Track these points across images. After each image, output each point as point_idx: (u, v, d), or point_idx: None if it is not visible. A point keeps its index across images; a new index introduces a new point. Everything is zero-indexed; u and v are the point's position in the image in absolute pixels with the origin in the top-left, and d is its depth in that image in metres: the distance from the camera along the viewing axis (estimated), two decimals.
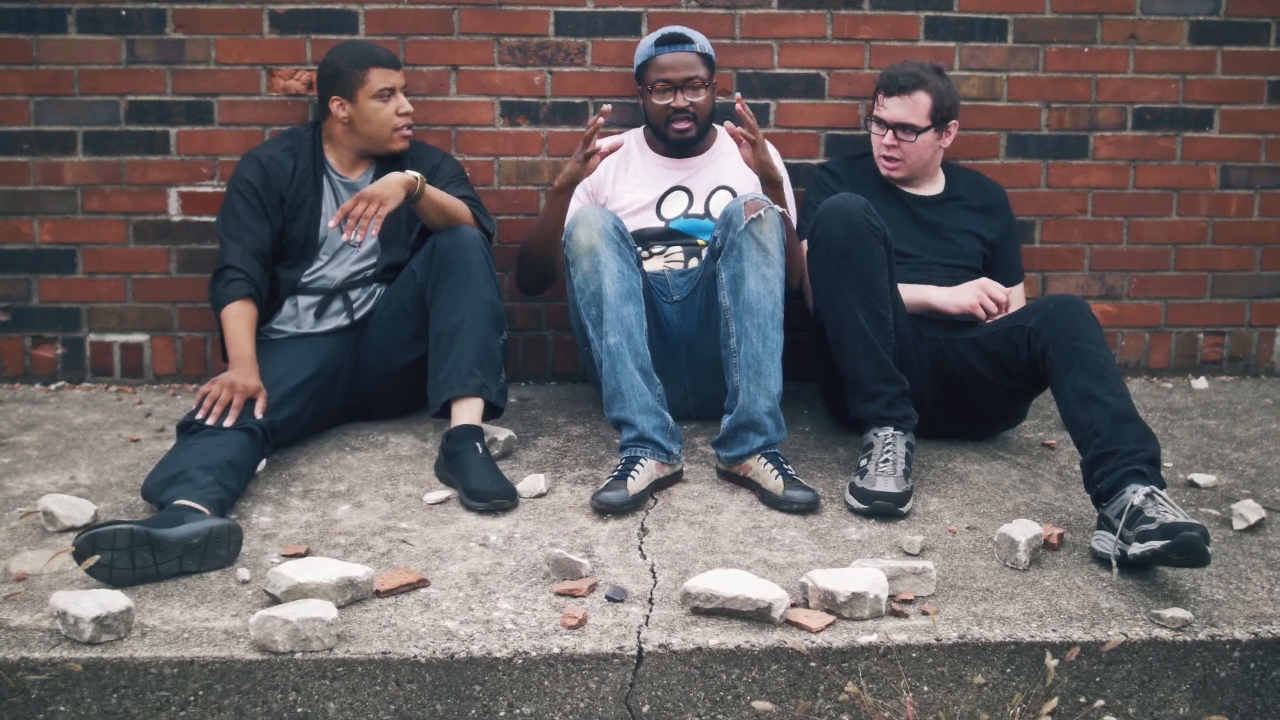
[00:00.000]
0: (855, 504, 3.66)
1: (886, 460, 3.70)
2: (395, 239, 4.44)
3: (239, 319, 4.16)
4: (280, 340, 4.33)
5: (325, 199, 4.38)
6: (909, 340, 4.02)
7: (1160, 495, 3.25)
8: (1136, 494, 3.26)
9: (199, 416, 3.78)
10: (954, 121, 4.48)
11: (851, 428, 4.28)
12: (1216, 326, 5.26)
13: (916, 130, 4.39)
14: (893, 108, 4.39)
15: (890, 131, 4.41)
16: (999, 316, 4.08)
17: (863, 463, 3.76)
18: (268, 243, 4.32)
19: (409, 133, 4.43)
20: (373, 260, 4.43)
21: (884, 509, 3.60)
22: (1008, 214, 4.67)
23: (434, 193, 4.20)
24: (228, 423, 3.77)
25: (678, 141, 4.52)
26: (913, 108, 4.38)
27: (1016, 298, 4.58)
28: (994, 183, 4.75)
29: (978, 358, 4.04)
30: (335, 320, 4.39)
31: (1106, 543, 3.30)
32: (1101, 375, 3.59)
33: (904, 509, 3.62)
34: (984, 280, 4.16)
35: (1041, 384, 3.97)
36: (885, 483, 3.63)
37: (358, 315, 4.40)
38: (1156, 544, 3.08)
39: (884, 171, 4.50)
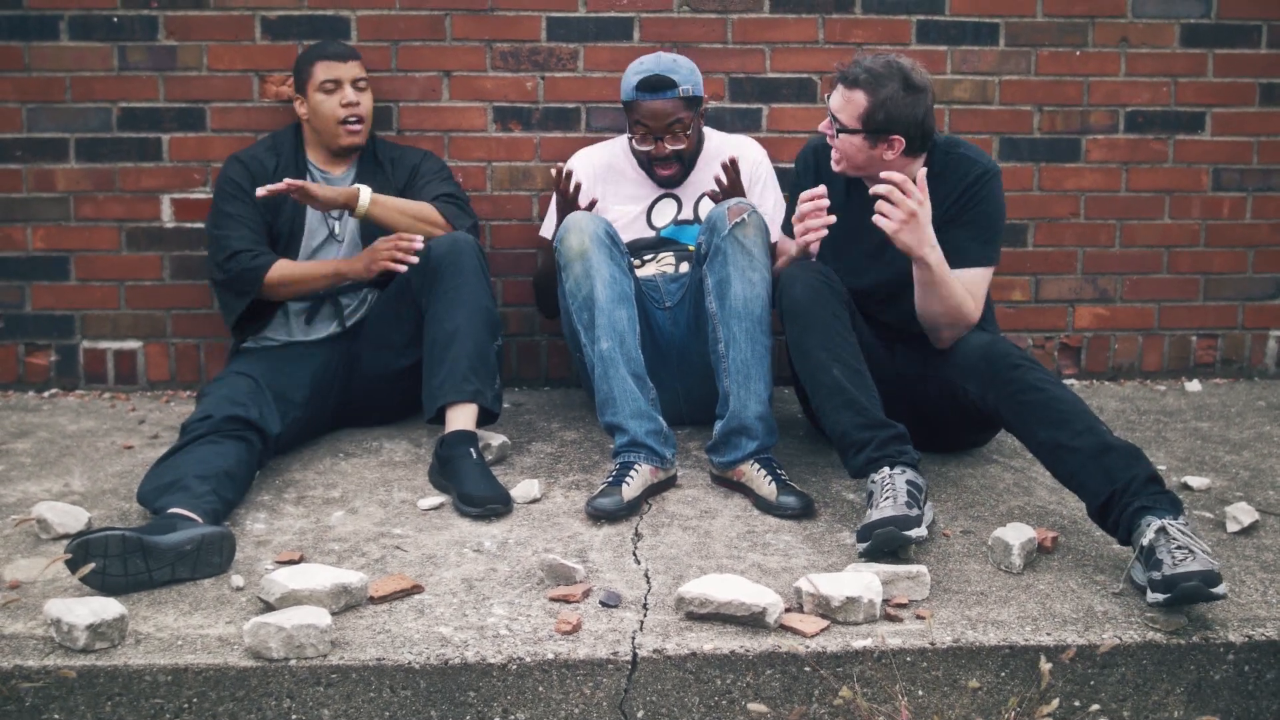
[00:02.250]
0: (860, 547, 3.29)
1: (887, 498, 3.36)
2: (376, 235, 4.43)
3: (288, 264, 4.31)
4: (272, 349, 4.33)
5: None
6: (886, 369, 3.92)
7: (1172, 529, 3.11)
8: (1149, 529, 3.14)
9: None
10: (896, 137, 3.82)
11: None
12: (1209, 329, 5.27)
13: (839, 127, 3.89)
14: (834, 96, 3.93)
15: (828, 119, 3.97)
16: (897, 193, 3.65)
17: (866, 514, 3.39)
18: (263, 230, 4.36)
19: (357, 126, 4.42)
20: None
21: (886, 538, 3.24)
22: (967, 198, 3.94)
23: (384, 207, 4.26)
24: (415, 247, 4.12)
25: (665, 182, 4.52)
26: (845, 103, 3.87)
27: (966, 280, 3.94)
28: (973, 171, 3.95)
29: (944, 399, 3.87)
30: (326, 328, 4.38)
31: (1139, 574, 3.20)
32: (1059, 420, 3.43)
33: (913, 533, 3.26)
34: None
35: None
36: (884, 509, 3.31)
37: (349, 322, 4.40)
38: (1160, 597, 3.02)
39: (832, 161, 4.02)
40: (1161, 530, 3.11)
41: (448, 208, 4.38)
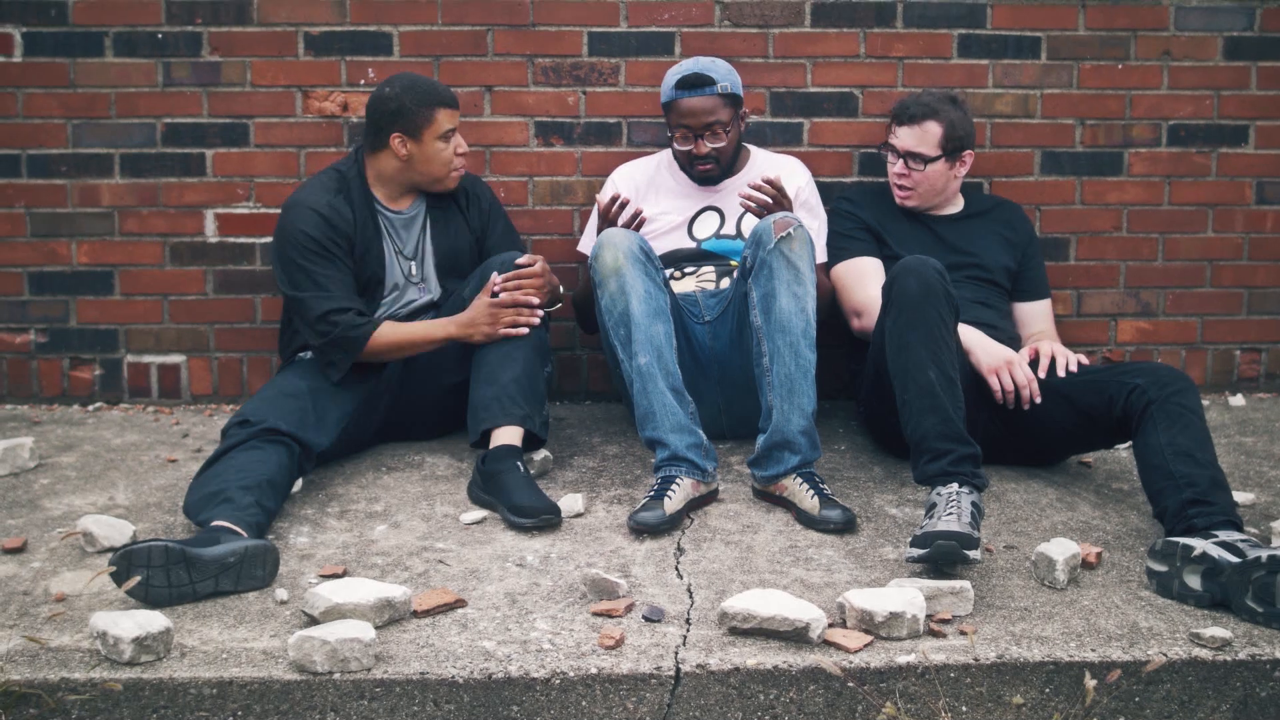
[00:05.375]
0: (915, 553, 3.26)
1: (951, 513, 3.34)
2: (454, 271, 4.44)
3: (395, 328, 4.20)
4: None
5: (385, 238, 4.34)
6: (968, 377, 3.97)
7: (1216, 541, 3.27)
8: (1234, 536, 3.29)
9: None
10: (968, 151, 4.47)
11: (892, 451, 4.28)
12: (1253, 343, 5.24)
13: (925, 160, 4.40)
14: (903, 137, 4.42)
15: (901, 160, 4.44)
16: (1011, 396, 4.03)
17: (923, 523, 3.38)
18: (352, 285, 4.23)
19: (461, 173, 4.37)
20: (437, 296, 4.43)
21: (947, 550, 3.21)
22: (1028, 231, 4.68)
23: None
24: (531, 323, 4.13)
25: (704, 180, 4.53)
26: (922, 137, 4.40)
27: (1044, 314, 4.58)
28: (1012, 202, 4.79)
29: (1058, 407, 3.99)
30: None
31: (1223, 550, 3.23)
32: (1202, 444, 3.57)
33: (972, 553, 3.23)
34: (1017, 358, 4.06)
35: (1113, 441, 4.01)
36: (949, 523, 3.28)
37: None
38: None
39: (897, 200, 4.52)
40: (1218, 544, 3.24)
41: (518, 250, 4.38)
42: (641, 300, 3.90)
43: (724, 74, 4.41)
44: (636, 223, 4.24)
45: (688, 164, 4.50)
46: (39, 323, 4.97)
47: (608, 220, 4.23)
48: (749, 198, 4.16)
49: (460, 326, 4.16)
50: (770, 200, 4.17)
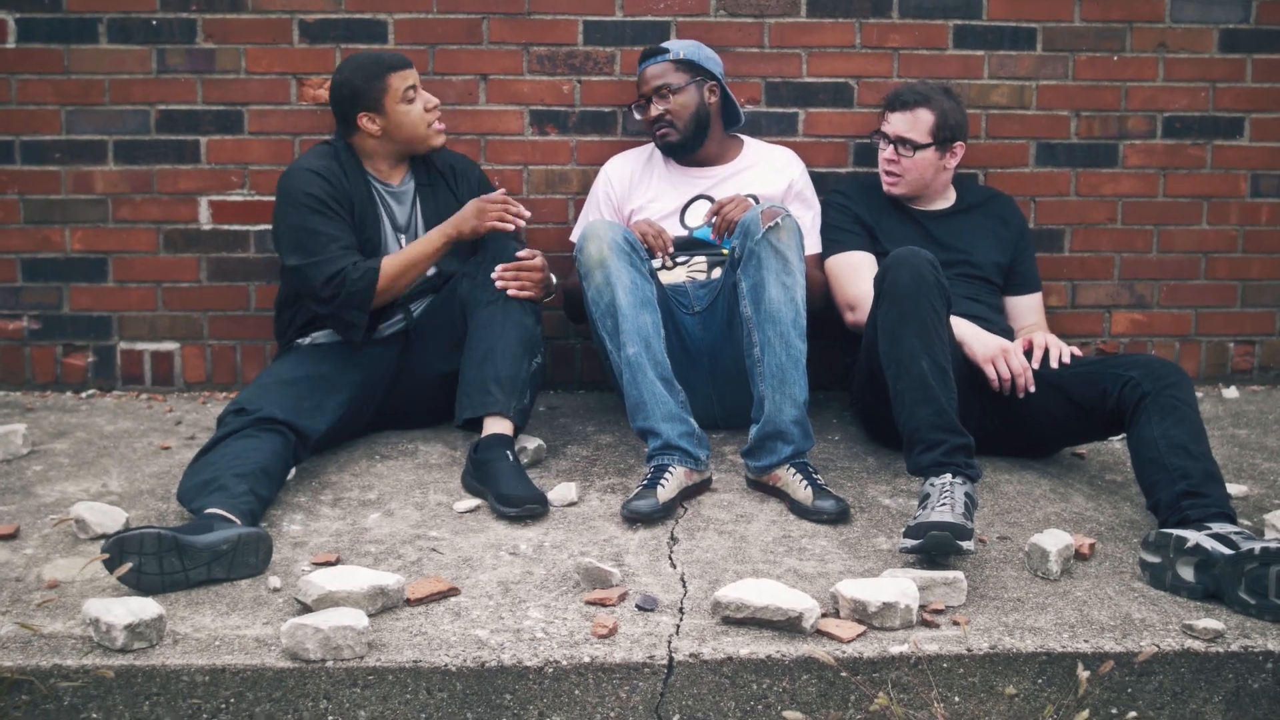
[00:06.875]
0: (908, 543, 3.26)
1: (944, 504, 3.35)
2: (450, 253, 4.43)
3: (395, 258, 4.21)
4: (323, 347, 4.28)
5: (380, 208, 4.35)
6: (961, 369, 3.95)
7: (1208, 533, 3.27)
8: (1227, 528, 3.29)
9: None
10: (959, 143, 4.46)
11: (885, 441, 4.29)
12: (1247, 335, 5.24)
13: (915, 146, 4.40)
14: (894, 122, 4.43)
15: (891, 146, 4.44)
16: (1008, 385, 4.02)
17: (917, 514, 3.39)
18: (355, 243, 4.23)
19: (442, 125, 4.38)
20: (433, 271, 4.41)
21: (940, 541, 3.22)
22: (1020, 225, 4.67)
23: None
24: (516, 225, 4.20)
25: (665, 148, 4.56)
26: (913, 124, 4.40)
27: (1035, 307, 4.60)
28: (1005, 195, 4.77)
29: (1052, 399, 3.99)
30: (393, 327, 4.36)
31: (1216, 542, 3.23)
32: (1196, 436, 3.57)
33: (966, 544, 3.24)
34: (1012, 346, 4.06)
35: (1107, 433, 4.03)
36: (942, 514, 3.30)
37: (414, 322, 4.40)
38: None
39: (885, 187, 4.51)
40: (1211, 535, 3.24)
41: (515, 242, 4.34)
42: (628, 291, 3.90)
43: (684, 46, 4.50)
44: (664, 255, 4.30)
45: (651, 134, 4.57)
46: (32, 309, 4.96)
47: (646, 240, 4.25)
48: (716, 228, 4.22)
49: (452, 227, 4.22)
50: (731, 220, 4.17)
